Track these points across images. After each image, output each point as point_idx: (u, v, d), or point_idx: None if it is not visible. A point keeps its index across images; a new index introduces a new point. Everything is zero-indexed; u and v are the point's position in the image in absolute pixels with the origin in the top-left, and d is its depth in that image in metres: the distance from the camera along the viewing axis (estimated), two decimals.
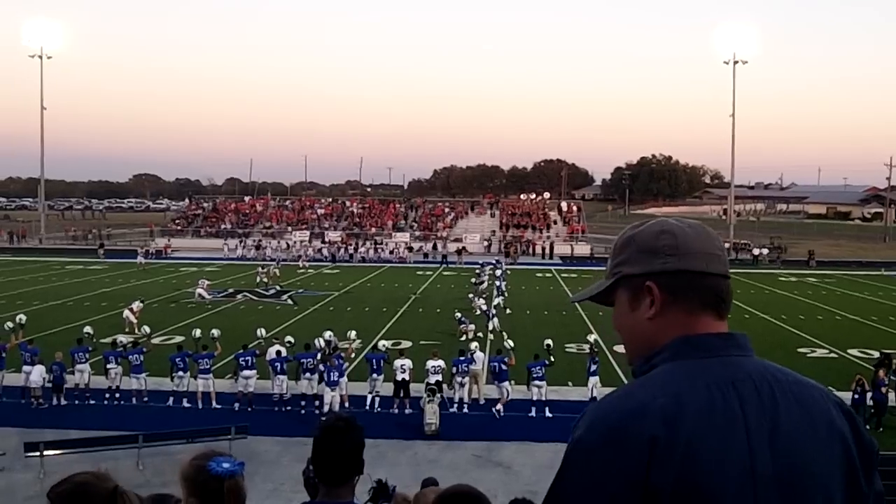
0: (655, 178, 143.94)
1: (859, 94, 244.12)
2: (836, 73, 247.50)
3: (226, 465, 2.51)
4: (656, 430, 1.31)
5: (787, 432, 1.36)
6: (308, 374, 18.17)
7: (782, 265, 55.28)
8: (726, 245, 49.23)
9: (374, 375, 18.26)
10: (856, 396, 17.10)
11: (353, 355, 19.71)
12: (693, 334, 1.49)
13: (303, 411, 17.84)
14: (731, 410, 1.36)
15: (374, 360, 18.46)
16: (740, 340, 1.51)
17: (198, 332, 20.49)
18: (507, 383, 17.95)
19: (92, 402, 18.17)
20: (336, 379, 17.62)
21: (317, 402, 17.93)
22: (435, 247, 58.72)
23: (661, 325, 1.51)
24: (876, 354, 22.40)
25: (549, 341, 19.59)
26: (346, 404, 17.80)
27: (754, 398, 1.38)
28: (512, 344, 19.91)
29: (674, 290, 1.51)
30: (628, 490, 1.30)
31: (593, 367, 18.38)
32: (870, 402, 17.24)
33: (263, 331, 21.63)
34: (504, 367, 17.99)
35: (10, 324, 20.61)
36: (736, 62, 64.55)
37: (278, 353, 18.73)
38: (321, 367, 18.00)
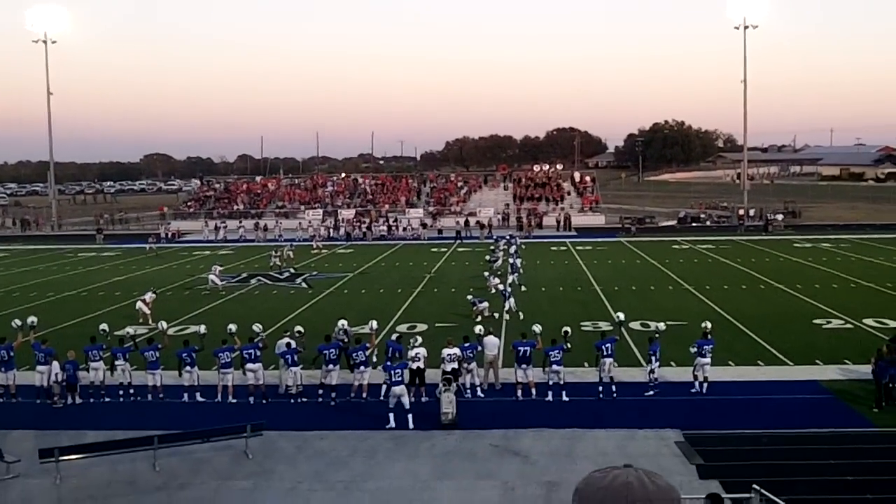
0: (669, 144, 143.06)
1: (870, 53, 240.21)
2: (847, 32, 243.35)
3: None
4: None
5: None
6: (330, 366, 17.84)
7: (794, 230, 54.36)
8: (741, 212, 47.93)
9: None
10: (875, 370, 16.71)
11: (375, 342, 19.39)
12: None
13: (320, 399, 17.68)
14: None
15: (391, 349, 17.97)
16: None
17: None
18: (531, 368, 17.68)
19: (107, 399, 18.07)
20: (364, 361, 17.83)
21: (333, 394, 17.75)
22: (467, 223, 58.26)
23: None
24: (892, 324, 21.99)
25: (568, 328, 18.86)
26: (365, 395, 17.61)
27: None
28: (539, 329, 19.02)
29: None
30: None
31: (609, 348, 17.85)
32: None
33: (260, 326, 20.27)
34: (530, 351, 17.74)
35: (17, 321, 19.91)
36: (746, 27, 63.89)
37: (288, 345, 18.34)
38: (357, 353, 17.96)
